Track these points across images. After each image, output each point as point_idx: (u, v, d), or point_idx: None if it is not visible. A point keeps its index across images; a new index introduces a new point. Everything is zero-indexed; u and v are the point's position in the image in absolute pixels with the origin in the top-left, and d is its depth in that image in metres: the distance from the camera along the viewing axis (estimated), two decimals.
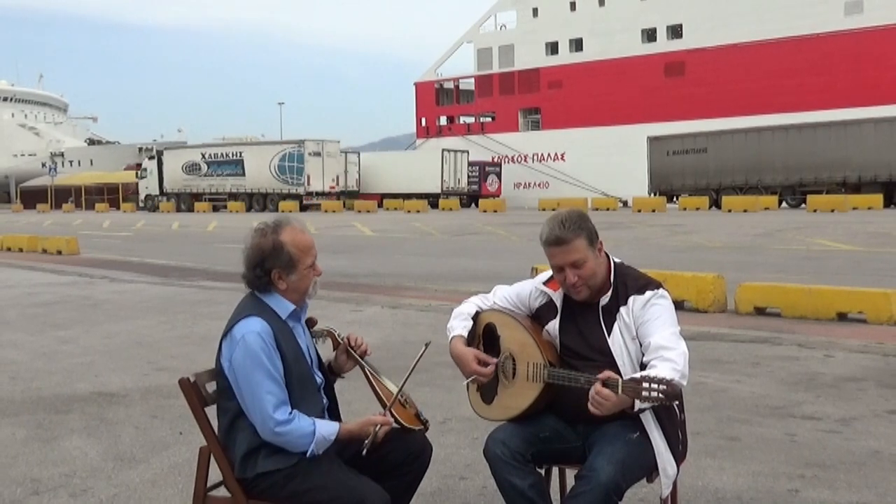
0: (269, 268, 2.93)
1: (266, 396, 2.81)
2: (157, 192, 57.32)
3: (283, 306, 2.97)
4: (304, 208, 47.35)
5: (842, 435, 4.91)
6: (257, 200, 51.41)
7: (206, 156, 54.97)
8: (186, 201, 54.97)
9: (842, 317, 8.74)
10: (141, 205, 58.85)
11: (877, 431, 4.97)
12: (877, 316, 8.48)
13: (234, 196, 52.60)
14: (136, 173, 61.51)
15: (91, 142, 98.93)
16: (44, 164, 76.63)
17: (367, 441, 2.86)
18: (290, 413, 2.84)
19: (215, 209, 51.94)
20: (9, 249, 22.17)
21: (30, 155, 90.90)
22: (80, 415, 5.66)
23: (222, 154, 54.60)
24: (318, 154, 50.25)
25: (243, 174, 52.52)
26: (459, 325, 3.25)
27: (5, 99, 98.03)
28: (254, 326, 2.86)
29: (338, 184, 50.95)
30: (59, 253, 20.28)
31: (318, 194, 49.64)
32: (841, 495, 3.98)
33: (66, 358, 7.57)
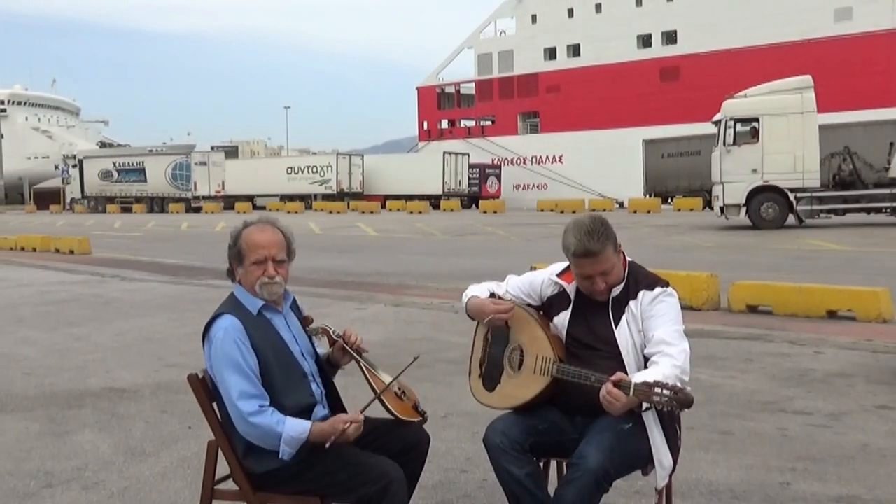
0: (230, 258, 3.09)
1: (232, 391, 2.85)
2: (80, 196, 62.40)
3: (251, 302, 3.02)
4: (195, 210, 52.77)
5: (832, 429, 4.97)
6: (156, 203, 56.82)
7: (117, 164, 60.76)
8: (102, 204, 60.10)
9: (832, 314, 8.82)
10: (67, 207, 63.82)
11: (866, 426, 5.04)
12: (866, 313, 8.58)
13: (138, 199, 58.38)
14: (62, 179, 67.34)
15: (103, 144, 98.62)
16: (56, 167, 77.21)
17: (332, 436, 2.86)
18: (259, 407, 2.85)
19: (124, 210, 57.23)
20: (23, 249, 22.17)
21: (43, 157, 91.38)
22: (92, 410, 5.72)
23: (128, 163, 60.35)
24: (203, 164, 55.69)
25: (145, 180, 58.30)
26: (479, 292, 3.35)
27: (19, 103, 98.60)
28: (222, 324, 2.94)
29: (223, 188, 56.11)
30: (72, 252, 20.32)
31: (204, 198, 54.65)
32: (831, 488, 4.03)
33: (79, 354, 7.66)
